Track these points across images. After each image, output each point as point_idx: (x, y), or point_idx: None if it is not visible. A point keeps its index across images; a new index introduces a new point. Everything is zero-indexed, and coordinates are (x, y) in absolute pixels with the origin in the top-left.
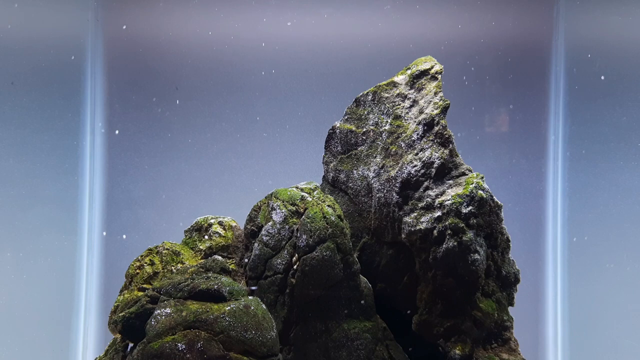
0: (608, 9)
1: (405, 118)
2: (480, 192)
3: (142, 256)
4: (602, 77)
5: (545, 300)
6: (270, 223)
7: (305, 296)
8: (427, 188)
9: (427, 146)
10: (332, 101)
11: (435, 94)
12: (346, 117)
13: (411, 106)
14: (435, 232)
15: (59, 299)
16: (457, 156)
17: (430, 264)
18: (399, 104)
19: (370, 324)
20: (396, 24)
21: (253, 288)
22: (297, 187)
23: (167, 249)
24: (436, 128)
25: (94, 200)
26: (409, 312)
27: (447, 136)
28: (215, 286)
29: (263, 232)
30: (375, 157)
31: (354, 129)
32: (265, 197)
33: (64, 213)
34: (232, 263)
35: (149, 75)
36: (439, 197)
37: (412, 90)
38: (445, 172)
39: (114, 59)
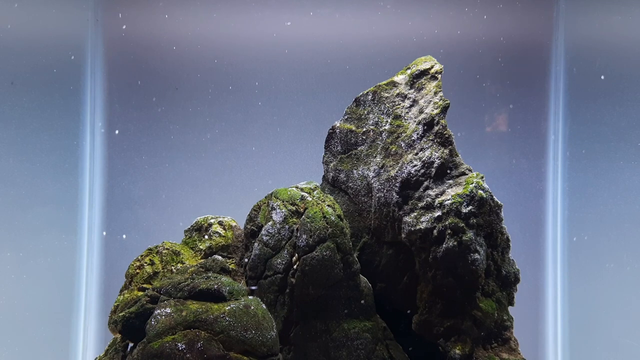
0: (608, 9)
1: (405, 118)
2: (480, 191)
3: (142, 256)
4: (602, 77)
5: (545, 300)
6: (270, 223)
7: (305, 296)
8: (427, 188)
9: (427, 146)
10: (332, 101)
11: (435, 93)
12: (346, 117)
13: (411, 106)
14: (435, 231)
15: (59, 298)
16: (457, 156)
17: (430, 264)
18: (399, 104)
19: (370, 324)
20: (396, 24)
21: (253, 288)
22: (297, 187)
23: (167, 248)
24: (436, 128)
25: (94, 200)
26: (409, 312)
27: (447, 136)
28: (215, 286)
29: (263, 231)
30: (375, 156)
31: (354, 128)
32: (265, 197)
33: (64, 213)
34: (232, 263)
35: (149, 75)
36: (439, 197)
37: (412, 90)
38: (445, 171)
39: (114, 59)
